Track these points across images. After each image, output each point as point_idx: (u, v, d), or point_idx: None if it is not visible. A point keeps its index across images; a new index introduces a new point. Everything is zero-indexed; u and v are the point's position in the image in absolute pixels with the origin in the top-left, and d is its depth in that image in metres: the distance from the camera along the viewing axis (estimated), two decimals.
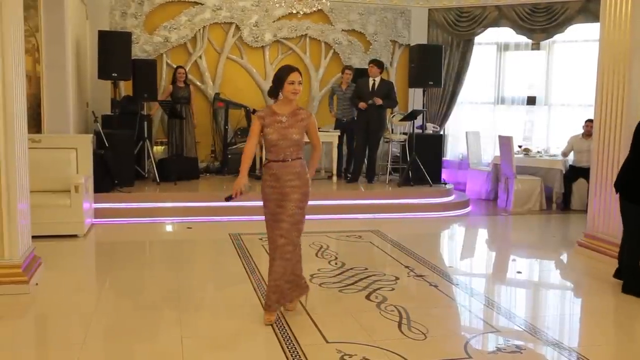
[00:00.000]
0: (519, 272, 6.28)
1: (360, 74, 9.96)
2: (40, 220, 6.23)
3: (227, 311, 4.71)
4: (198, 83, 10.51)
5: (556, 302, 5.48)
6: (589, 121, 9.23)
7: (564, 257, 7.00)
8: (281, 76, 4.35)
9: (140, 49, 10.10)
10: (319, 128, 9.83)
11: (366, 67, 9.83)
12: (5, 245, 4.98)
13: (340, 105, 9.99)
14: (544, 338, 4.35)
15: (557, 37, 10.58)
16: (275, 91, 4.42)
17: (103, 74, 8.83)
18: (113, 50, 8.72)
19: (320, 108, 10.99)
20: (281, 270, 4.36)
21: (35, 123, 7.73)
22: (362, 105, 9.32)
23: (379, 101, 9.25)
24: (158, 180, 9.01)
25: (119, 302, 5.06)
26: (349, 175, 10.02)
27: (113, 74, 8.80)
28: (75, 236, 6.96)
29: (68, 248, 6.70)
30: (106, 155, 8.23)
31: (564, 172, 9.58)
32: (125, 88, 9.89)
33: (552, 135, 10.92)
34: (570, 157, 9.78)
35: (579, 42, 10.64)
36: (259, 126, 4.39)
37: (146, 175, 9.47)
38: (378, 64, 9.53)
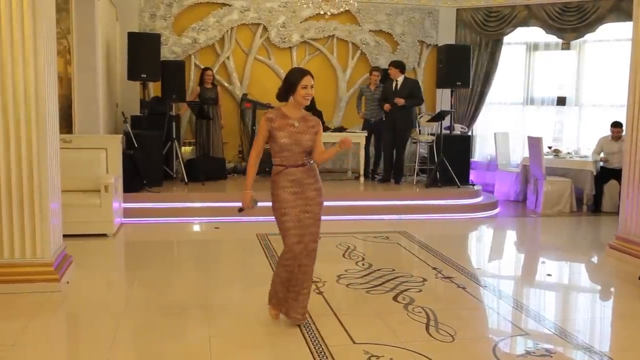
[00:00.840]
0: (549, 275, 6.20)
1: (387, 76, 9.94)
2: (70, 219, 6.31)
3: (255, 311, 4.72)
4: (226, 84, 10.58)
5: (586, 305, 5.39)
6: (615, 126, 9.16)
7: (595, 260, 6.89)
8: (294, 80, 4.14)
9: (169, 51, 10.20)
10: (346, 129, 9.95)
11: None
12: (37, 244, 5.06)
13: (368, 106, 9.98)
14: (574, 342, 4.29)
15: (588, 36, 10.44)
16: (285, 95, 4.19)
17: (132, 75, 8.94)
18: (142, 52, 8.83)
19: (348, 109, 10.98)
20: (310, 277, 4.34)
21: (66, 123, 7.86)
22: (386, 107, 9.32)
23: (400, 101, 9.23)
24: (186, 181, 9.08)
25: (147, 300, 5.10)
26: (377, 176, 10.01)
27: (142, 75, 8.90)
28: (104, 235, 7.05)
29: (97, 247, 6.79)
30: (135, 155, 8.32)
31: (594, 173, 9.44)
32: (154, 89, 10.00)
33: (582, 136, 10.77)
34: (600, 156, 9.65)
35: (611, 42, 10.48)
36: (267, 129, 4.18)
37: (174, 176, 9.56)
38: (396, 65, 9.50)
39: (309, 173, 4.25)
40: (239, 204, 4.40)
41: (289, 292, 4.33)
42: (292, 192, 4.21)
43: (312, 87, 4.15)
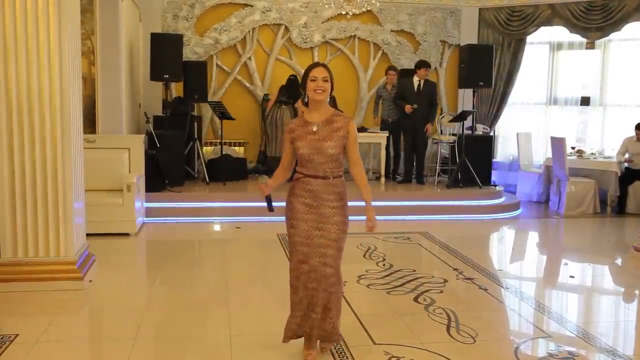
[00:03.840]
0: (571, 277, 6.13)
1: (405, 74, 9.91)
2: (93, 218, 6.40)
3: (275, 311, 4.73)
4: (247, 84, 10.62)
5: (610, 308, 5.32)
6: (639, 128, 9.08)
7: (619, 262, 6.81)
8: (305, 75, 3.69)
9: (191, 51, 10.26)
10: (366, 129, 9.83)
11: (412, 67, 9.76)
12: (61, 243, 5.12)
13: (385, 106, 9.94)
14: (598, 345, 4.24)
15: (613, 35, 10.31)
16: (304, 96, 3.74)
17: (155, 75, 9.00)
18: (165, 52, 8.89)
19: (369, 109, 10.95)
20: (323, 303, 3.77)
21: (90, 123, 7.96)
22: (407, 109, 9.24)
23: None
24: (207, 180, 9.13)
25: (169, 299, 5.15)
26: (397, 177, 9.98)
27: (165, 76, 8.97)
28: (127, 234, 7.11)
29: (120, 246, 6.85)
30: (157, 155, 8.38)
31: (619, 174, 9.32)
32: (177, 89, 10.06)
33: (607, 136, 10.64)
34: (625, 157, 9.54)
35: (637, 41, 10.35)
36: (288, 140, 3.73)
37: (196, 175, 9.62)
38: (429, 66, 9.50)
39: (330, 188, 3.71)
40: (263, 202, 4.03)
41: (292, 317, 3.90)
42: (305, 203, 3.72)
43: (324, 79, 3.62)
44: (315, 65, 3.73)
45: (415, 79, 9.38)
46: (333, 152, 3.65)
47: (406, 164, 9.69)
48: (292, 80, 9.93)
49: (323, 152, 3.64)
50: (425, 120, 9.38)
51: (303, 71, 3.82)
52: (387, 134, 9.76)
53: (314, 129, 3.66)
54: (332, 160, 3.68)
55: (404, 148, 9.69)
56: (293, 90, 9.75)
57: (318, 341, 3.92)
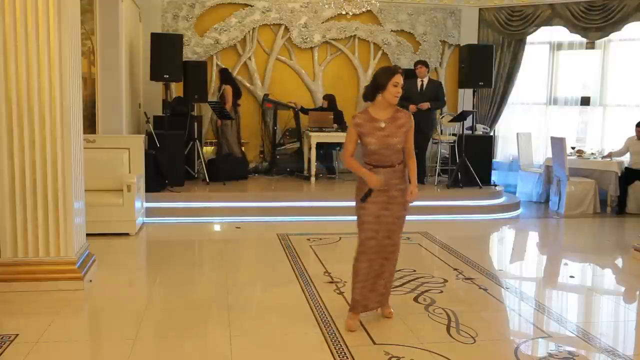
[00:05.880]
0: (571, 277, 6.13)
1: (408, 75, 9.90)
2: (93, 218, 6.40)
3: (276, 311, 4.74)
4: (247, 84, 10.62)
5: (610, 308, 5.31)
6: (639, 125, 9.08)
7: (619, 262, 6.81)
8: (385, 77, 4.13)
9: (191, 51, 10.26)
10: None
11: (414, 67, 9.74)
12: (61, 243, 5.12)
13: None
14: (598, 345, 4.24)
15: (613, 35, 10.30)
16: (373, 93, 4.19)
17: (155, 75, 8.99)
18: (165, 52, 8.87)
19: None
20: (385, 268, 4.46)
21: (90, 123, 7.96)
22: (411, 108, 9.24)
23: (425, 106, 9.19)
24: (207, 180, 9.13)
25: (169, 299, 5.14)
26: None
27: (165, 76, 8.95)
28: (127, 234, 7.12)
29: (120, 246, 6.85)
30: (157, 155, 8.38)
31: (619, 174, 9.32)
32: (176, 89, 10.06)
33: (607, 136, 10.63)
34: (627, 158, 9.53)
35: (637, 41, 10.34)
36: (355, 135, 4.21)
37: (196, 175, 9.62)
38: (425, 64, 9.47)
39: (396, 174, 4.27)
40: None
41: (374, 285, 4.44)
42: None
43: (402, 86, 4.15)
44: (397, 70, 4.16)
45: (419, 80, 9.39)
46: (400, 147, 4.23)
47: None
48: (228, 72, 10.11)
49: (391, 147, 4.19)
50: (429, 121, 9.37)
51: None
52: None
53: (382, 125, 4.17)
54: (397, 152, 4.24)
55: None
56: (237, 87, 10.04)
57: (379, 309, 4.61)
